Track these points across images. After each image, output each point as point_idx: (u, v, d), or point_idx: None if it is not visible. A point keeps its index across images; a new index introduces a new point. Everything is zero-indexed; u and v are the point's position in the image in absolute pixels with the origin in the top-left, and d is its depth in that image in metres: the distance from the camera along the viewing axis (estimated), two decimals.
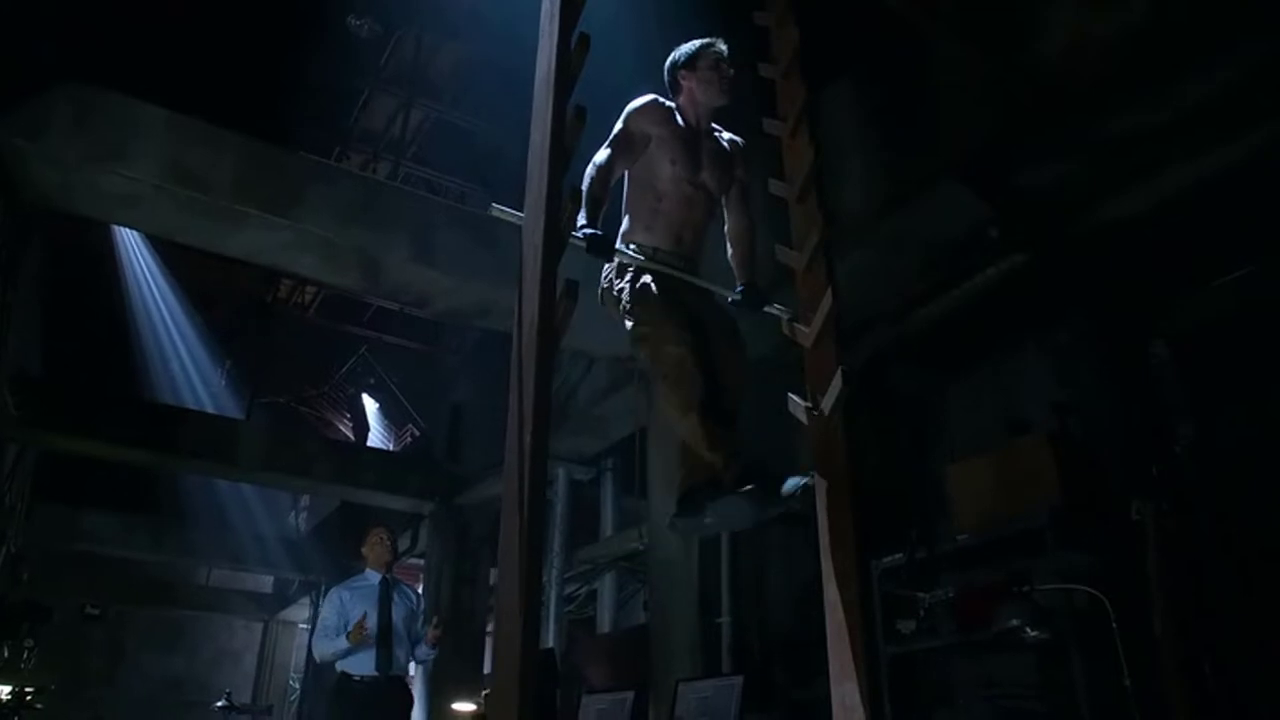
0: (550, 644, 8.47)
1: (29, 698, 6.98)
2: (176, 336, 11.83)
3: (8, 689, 7.09)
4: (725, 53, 3.19)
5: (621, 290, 2.98)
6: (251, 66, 7.08)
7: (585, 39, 2.73)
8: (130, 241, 11.24)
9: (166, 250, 11.15)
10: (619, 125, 3.05)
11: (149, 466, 10.11)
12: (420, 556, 10.48)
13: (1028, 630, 4.01)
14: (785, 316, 3.10)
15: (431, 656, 5.30)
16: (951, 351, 5.90)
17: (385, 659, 4.87)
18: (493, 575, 10.31)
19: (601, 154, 2.97)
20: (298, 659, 14.50)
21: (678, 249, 3.05)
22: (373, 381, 15.93)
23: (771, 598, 6.62)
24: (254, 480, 10.60)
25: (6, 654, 7.11)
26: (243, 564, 12.76)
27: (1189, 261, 4.23)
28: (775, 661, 6.21)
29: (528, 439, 2.22)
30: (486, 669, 9.97)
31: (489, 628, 10.48)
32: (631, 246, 3.03)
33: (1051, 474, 4.29)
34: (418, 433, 13.64)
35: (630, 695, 5.53)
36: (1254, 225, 4.15)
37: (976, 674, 4.42)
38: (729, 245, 3.26)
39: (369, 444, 15.86)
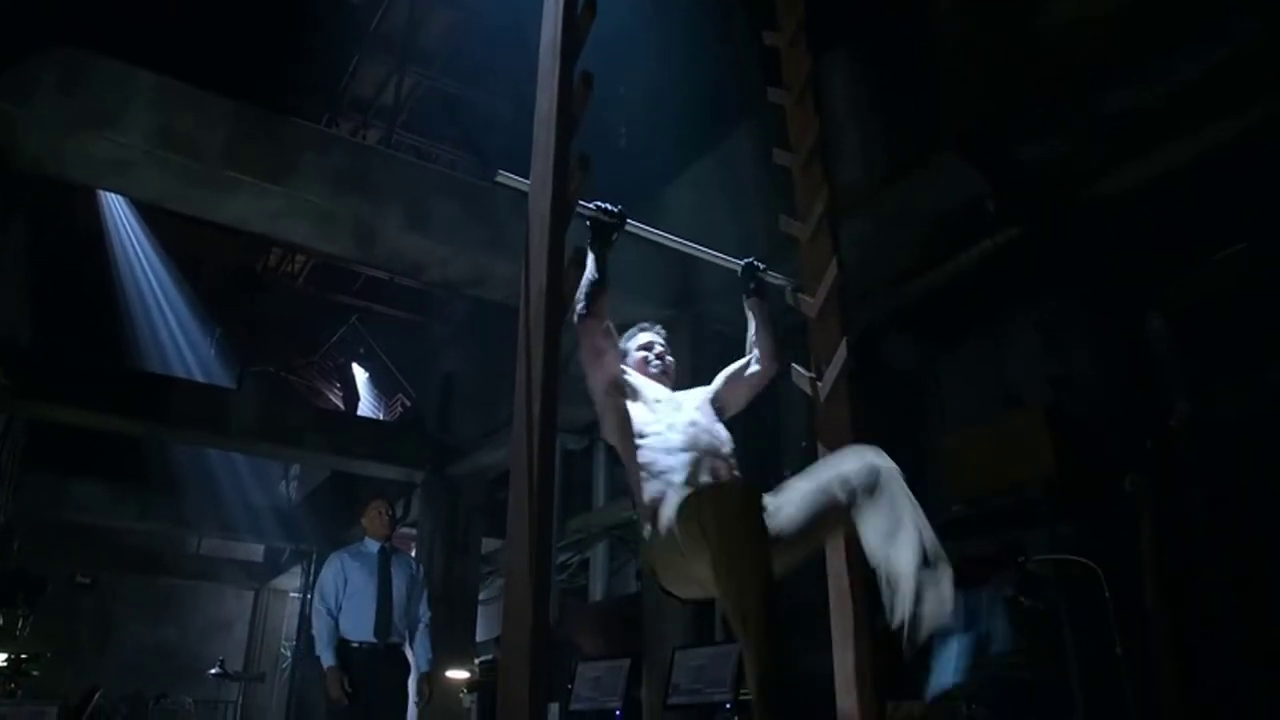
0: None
1: (24, 665, 6.98)
2: (165, 305, 11.73)
3: (3, 657, 7.10)
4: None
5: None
6: (241, 31, 6.97)
7: (592, 3, 2.70)
8: (118, 209, 11.12)
9: (154, 218, 11.03)
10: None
11: (138, 436, 10.07)
12: (412, 526, 10.50)
13: (1020, 599, 4.07)
14: (790, 286, 3.09)
15: (426, 626, 5.19)
16: (948, 324, 5.93)
17: (384, 626, 4.88)
18: (485, 544, 10.35)
19: None
20: (289, 627, 14.56)
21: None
22: (363, 351, 15.86)
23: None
24: (245, 450, 10.57)
25: (2, 622, 7.11)
26: (233, 533, 12.75)
27: (1186, 237, 4.25)
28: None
29: (536, 409, 2.21)
30: (479, 637, 10.04)
31: (480, 596, 10.55)
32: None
33: (1046, 447, 4.32)
34: (408, 403, 13.61)
35: (625, 663, 5.59)
36: (1250, 201, 4.17)
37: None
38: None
39: (360, 414, 15.85)
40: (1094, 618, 3.88)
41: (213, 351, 12.85)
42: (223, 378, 12.43)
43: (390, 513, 5.29)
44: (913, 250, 5.65)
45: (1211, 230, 4.20)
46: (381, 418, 15.87)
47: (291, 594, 14.58)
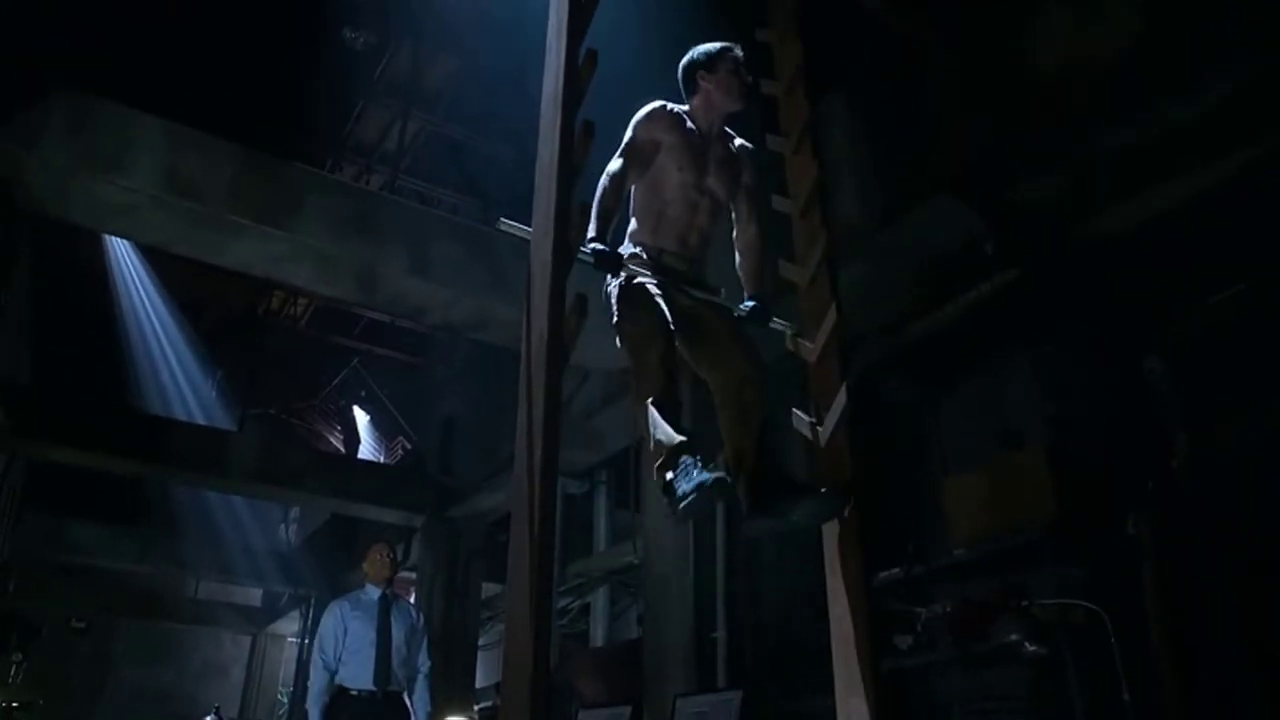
0: None
1: (16, 713, 6.91)
2: (167, 347, 11.77)
3: None
4: (743, 58, 3.20)
5: (614, 287, 2.97)
6: (248, 76, 7.07)
7: (593, 55, 2.75)
8: (121, 250, 11.19)
9: (157, 259, 11.10)
10: (628, 134, 3.05)
11: (138, 476, 10.04)
12: (412, 569, 10.42)
13: (1025, 645, 4.02)
14: (790, 331, 3.10)
15: (425, 676, 5.18)
16: (947, 365, 5.93)
17: (383, 674, 4.88)
18: (485, 589, 10.27)
19: (614, 164, 2.97)
20: (286, 672, 14.39)
21: (683, 252, 3.06)
22: (364, 394, 15.88)
23: (767, 611, 6.62)
24: (245, 492, 10.54)
25: None
26: (232, 576, 12.66)
27: (1184, 275, 4.26)
28: (771, 676, 6.19)
29: (538, 454, 2.22)
30: (479, 683, 9.92)
31: (480, 641, 10.44)
32: (637, 248, 3.03)
33: (1047, 488, 4.30)
34: (409, 445, 13.59)
35: (626, 710, 5.52)
36: (1249, 239, 4.20)
37: (973, 689, 4.41)
38: (738, 255, 3.26)
39: (360, 456, 15.81)
40: (1100, 663, 3.84)
41: (214, 393, 12.86)
42: (224, 420, 12.43)
43: (392, 556, 5.29)
44: (911, 291, 5.67)
45: (1211, 268, 4.22)
46: (382, 460, 15.84)
47: (289, 639, 14.43)
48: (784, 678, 6.19)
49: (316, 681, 4.83)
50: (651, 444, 2.91)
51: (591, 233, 2.79)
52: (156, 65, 5.69)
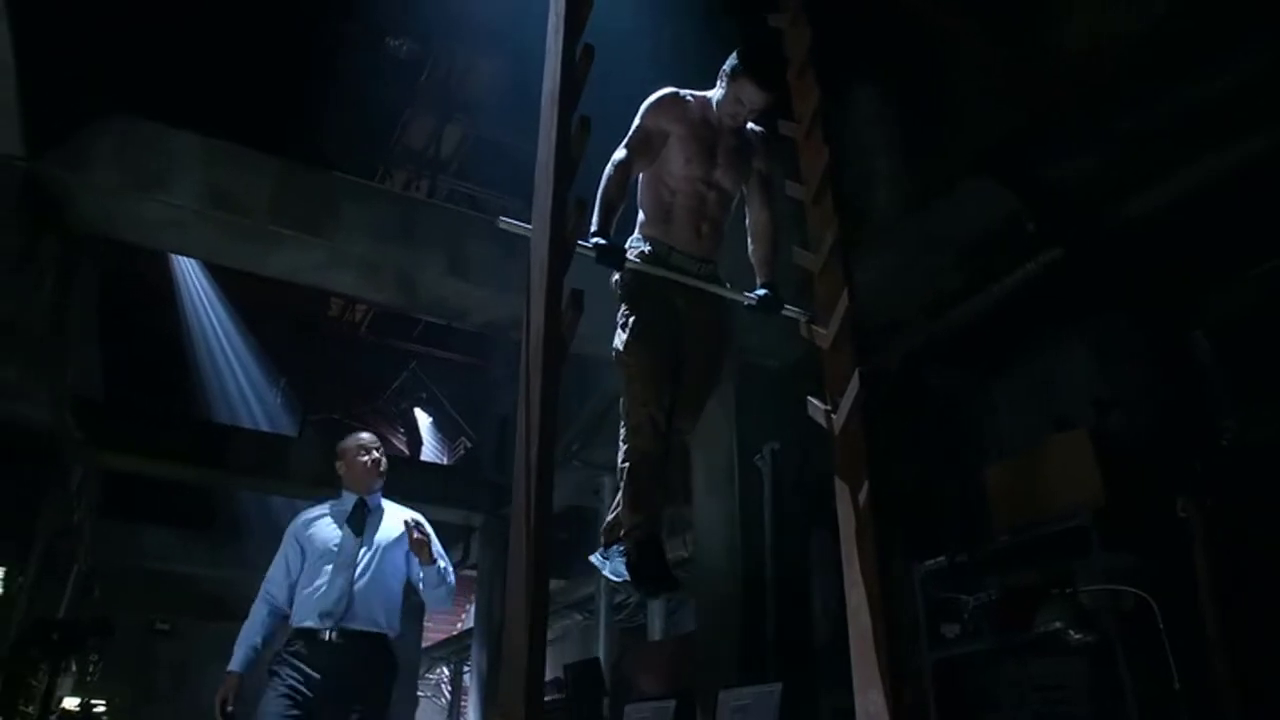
0: (600, 653, 8.49)
1: (95, 710, 7.20)
2: (232, 357, 12.13)
3: (75, 701, 7.33)
4: (759, 97, 3.05)
5: (621, 309, 3.01)
6: (294, 91, 7.24)
7: (589, 51, 2.74)
8: (186, 265, 11.57)
9: (220, 271, 11.45)
10: (636, 122, 3.03)
11: (204, 483, 10.36)
12: (473, 568, 10.58)
13: (1070, 633, 3.92)
14: (803, 318, 3.06)
15: (440, 589, 3.74)
16: (990, 349, 5.80)
17: (337, 607, 3.49)
18: None
19: (619, 153, 2.96)
20: None
21: (693, 248, 3.03)
22: (424, 396, 16.17)
23: (819, 604, 6.56)
24: (305, 495, 10.76)
25: (74, 668, 7.34)
26: None
27: (1226, 251, 4.10)
28: (821, 669, 6.13)
29: (534, 452, 2.23)
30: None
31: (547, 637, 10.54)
32: (646, 245, 3.02)
33: (1093, 472, 4.18)
34: (470, 445, 13.79)
35: (672, 704, 5.52)
36: None
37: (1021, 678, 4.31)
38: (750, 240, 3.22)
39: (423, 458, 16.10)
40: (1150, 652, 3.72)
41: (278, 400, 13.21)
42: (289, 426, 12.75)
43: (375, 456, 3.91)
44: (950, 275, 5.56)
45: (1253, 243, 4.05)
46: (445, 461, 16.12)
47: None
48: (834, 671, 6.12)
49: (252, 619, 3.63)
50: (611, 514, 2.98)
51: (594, 225, 2.80)
52: (199, 83, 5.85)
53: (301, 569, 3.62)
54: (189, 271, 11.73)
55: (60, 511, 8.84)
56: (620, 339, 2.97)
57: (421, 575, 3.71)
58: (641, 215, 3.11)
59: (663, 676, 7.50)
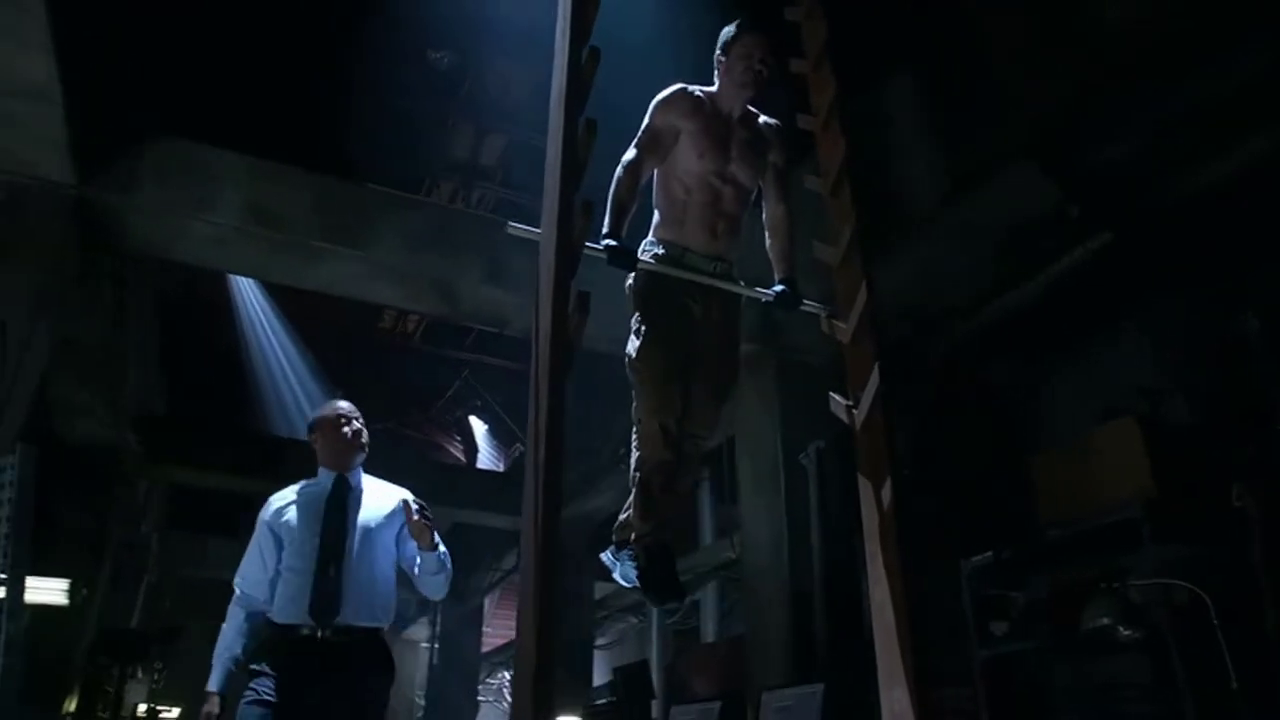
0: (652, 656, 8.48)
1: (164, 716, 7.41)
2: (288, 369, 12.38)
3: (144, 706, 7.56)
4: (760, 42, 3.06)
5: (634, 315, 3.00)
6: (335, 107, 7.36)
7: (595, 53, 2.74)
8: (242, 281, 11.85)
9: (275, 287, 11.71)
10: (645, 122, 3.02)
11: (261, 494, 10.58)
12: None
13: (1120, 629, 3.79)
14: (824, 313, 3.02)
15: (439, 576, 3.28)
16: (1038, 337, 5.66)
17: (323, 601, 3.01)
18: (598, 589, 10.40)
19: (629, 154, 2.95)
20: (420, 677, 14.91)
21: (709, 247, 3.00)
22: (479, 403, 16.34)
23: (867, 602, 6.46)
24: None
25: (140, 674, 7.57)
26: None
27: (1275, 229, 3.94)
28: (871, 668, 6.04)
29: (542, 453, 2.23)
30: (596, 681, 10.05)
31: (597, 642, 10.59)
32: (660, 248, 3.00)
33: (1142, 461, 4.05)
34: (523, 450, 13.90)
35: (717, 705, 5.49)
36: None
37: (1073, 675, 4.19)
38: (767, 235, 3.18)
39: (479, 465, 16.27)
40: (1204, 648, 3.58)
41: None
42: None
43: (352, 428, 3.31)
44: (993, 264, 5.44)
45: None
46: (502, 468, 16.26)
47: (422, 644, 14.96)
48: None
49: (228, 626, 3.15)
50: (624, 514, 2.97)
51: (605, 228, 2.80)
52: (239, 102, 5.99)
53: (280, 561, 3.13)
54: (245, 288, 12.02)
55: (127, 524, 9.13)
56: (633, 345, 2.96)
57: (420, 562, 3.24)
58: (656, 217, 3.09)
59: (715, 678, 7.48)
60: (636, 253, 2.87)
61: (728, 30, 3.13)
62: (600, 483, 9.19)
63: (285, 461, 9.37)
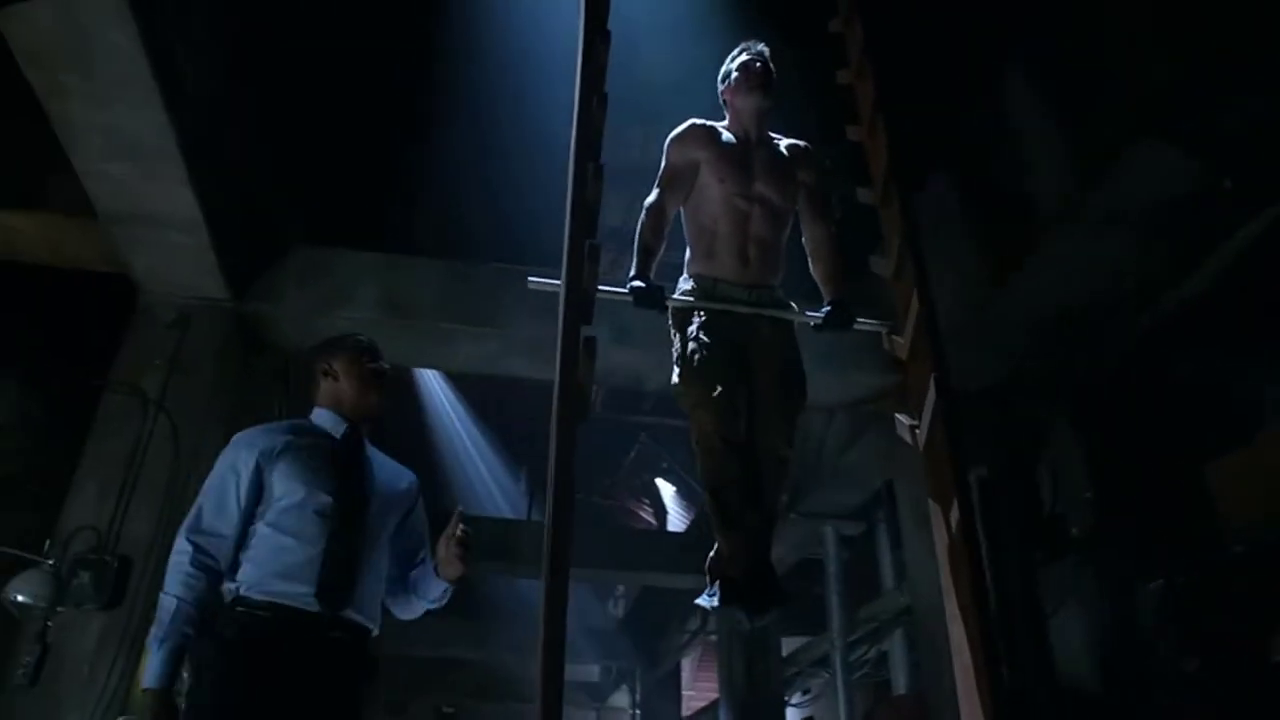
0: (840, 710, 8.07)
1: None
2: (473, 450, 12.94)
3: None
4: (758, 51, 3.05)
5: (674, 345, 2.94)
6: (466, 194, 7.72)
7: (603, 100, 2.76)
8: (426, 374, 12.58)
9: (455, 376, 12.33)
10: (663, 161, 3.02)
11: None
12: (713, 634, 10.47)
13: None
14: (884, 330, 2.83)
15: (427, 605, 2.70)
16: (1216, 328, 5.06)
17: (338, 579, 2.35)
18: (785, 644, 10.05)
19: (651, 195, 2.94)
20: None
21: (741, 276, 2.91)
22: (665, 465, 16.44)
23: (1062, 645, 5.89)
24: (534, 575, 11.21)
25: None
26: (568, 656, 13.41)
27: None
28: (1073, 716, 5.46)
29: (551, 499, 2.20)
30: None
31: (790, 699, 10.19)
32: (690, 283, 2.95)
33: None
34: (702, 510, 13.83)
35: None
36: None
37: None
38: (810, 259, 3.06)
39: (669, 527, 16.31)
40: None
41: (522, 488, 13.90)
42: (536, 512, 13.37)
43: (376, 370, 2.77)
44: (1140, 253, 4.93)
45: None
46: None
47: (625, 712, 14.98)
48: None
49: (179, 589, 2.25)
50: (713, 550, 2.87)
51: (632, 270, 2.77)
52: (366, 204, 6.41)
53: (260, 518, 2.39)
54: (432, 379, 12.75)
55: None
56: (675, 374, 2.89)
57: (423, 584, 2.63)
58: (688, 254, 3.05)
59: None
60: (663, 291, 2.82)
61: (725, 66, 3.16)
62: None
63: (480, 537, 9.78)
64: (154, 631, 2.23)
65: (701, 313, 2.89)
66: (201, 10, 4.56)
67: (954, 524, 2.40)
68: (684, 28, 5.29)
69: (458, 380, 12.47)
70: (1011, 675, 5.55)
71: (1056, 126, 5.05)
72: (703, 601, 2.91)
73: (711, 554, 2.93)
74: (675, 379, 2.91)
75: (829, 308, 2.88)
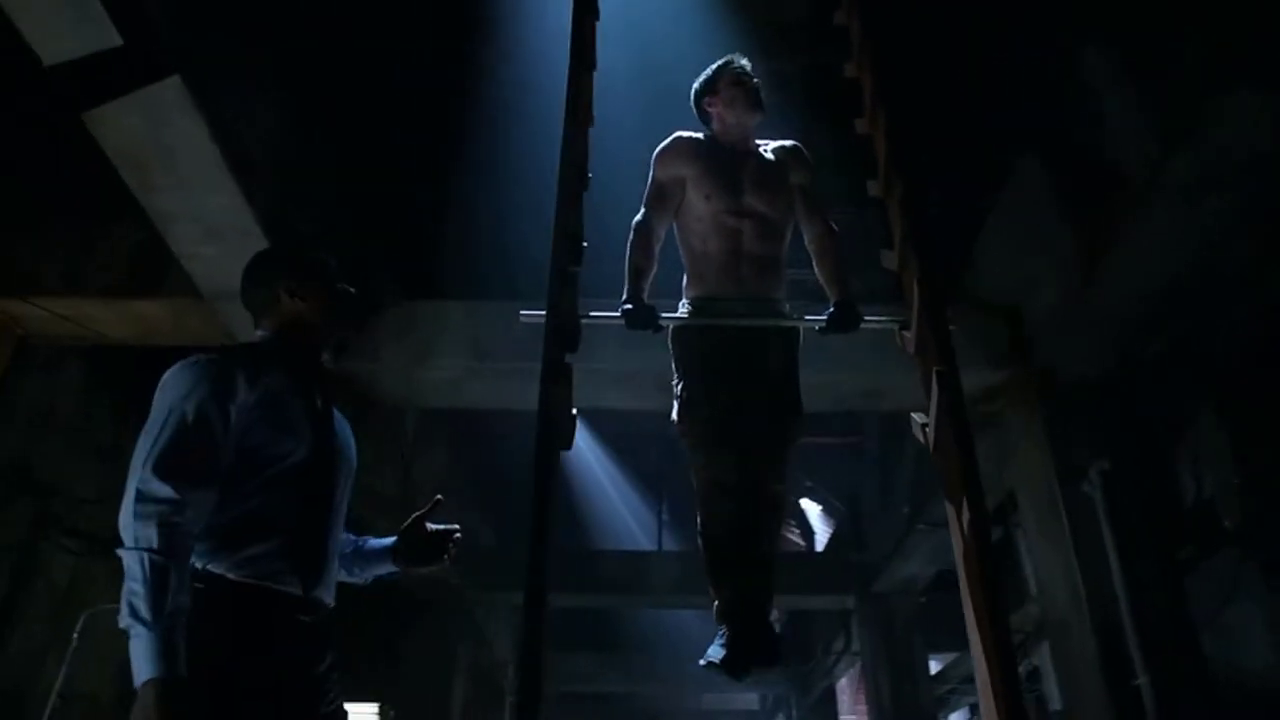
0: None
1: None
2: (609, 487, 13.09)
3: None
4: (745, 67, 2.99)
5: (674, 380, 2.90)
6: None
7: (585, 133, 2.80)
8: None
9: (590, 413, 12.55)
10: (649, 178, 2.99)
11: (573, 606, 11.15)
12: (856, 654, 10.14)
13: None
14: (896, 325, 2.70)
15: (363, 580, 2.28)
16: None
17: (313, 555, 1.95)
18: (932, 665, 9.62)
19: (639, 214, 2.92)
20: None
21: (735, 290, 2.85)
22: (809, 484, 16.14)
23: (1235, 645, 5.42)
24: (667, 605, 11.16)
25: None
26: (702, 685, 13.30)
27: None
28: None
29: (535, 521, 2.21)
30: None
31: (941, 717, 9.71)
32: (688, 306, 2.91)
33: None
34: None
35: None
36: None
37: None
38: (814, 261, 2.96)
39: (817, 547, 15.95)
40: None
41: (663, 519, 13.92)
42: (675, 543, 13.37)
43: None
44: (1238, 220, 4.51)
45: None
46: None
47: None
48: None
49: (168, 562, 1.65)
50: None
51: (625, 292, 2.77)
52: (450, 255, 6.66)
53: (240, 484, 1.85)
54: None
55: (475, 648, 10.06)
56: (675, 407, 2.85)
57: (367, 565, 2.25)
58: (684, 279, 3.00)
59: None
60: (654, 311, 2.78)
61: (706, 73, 3.08)
62: (906, 547, 8.59)
63: (598, 571, 9.89)
64: (139, 605, 1.61)
65: (696, 348, 2.84)
66: (263, 91, 4.89)
67: (965, 530, 2.25)
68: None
69: (592, 417, 12.70)
70: (1153, 684, 5.13)
71: (1142, 97, 4.71)
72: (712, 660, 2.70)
73: (716, 604, 2.79)
74: (674, 414, 2.87)
75: (833, 309, 2.77)
